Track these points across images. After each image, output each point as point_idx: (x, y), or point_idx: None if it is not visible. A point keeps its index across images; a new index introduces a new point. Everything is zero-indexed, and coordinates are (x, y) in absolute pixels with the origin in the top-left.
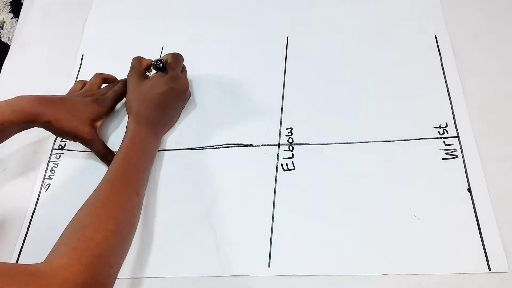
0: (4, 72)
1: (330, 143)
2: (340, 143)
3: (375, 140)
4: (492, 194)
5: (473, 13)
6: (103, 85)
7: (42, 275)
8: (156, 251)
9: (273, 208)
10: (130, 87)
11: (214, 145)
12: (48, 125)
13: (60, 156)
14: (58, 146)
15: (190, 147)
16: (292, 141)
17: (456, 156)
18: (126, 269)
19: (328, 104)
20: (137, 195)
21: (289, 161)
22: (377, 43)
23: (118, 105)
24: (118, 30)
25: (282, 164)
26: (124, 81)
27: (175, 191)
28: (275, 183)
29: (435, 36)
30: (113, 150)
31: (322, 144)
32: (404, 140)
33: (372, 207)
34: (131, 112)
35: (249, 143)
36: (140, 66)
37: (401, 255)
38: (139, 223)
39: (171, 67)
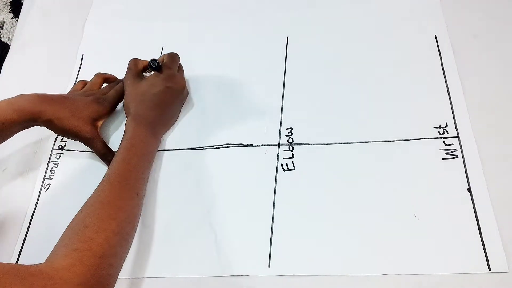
0: (4, 72)
1: (330, 143)
2: (340, 143)
3: (375, 140)
4: (492, 194)
5: (473, 13)
6: (104, 85)
7: (44, 276)
8: (156, 251)
9: (273, 208)
10: (127, 89)
11: (214, 145)
12: (49, 124)
13: (60, 156)
14: (58, 146)
15: (190, 147)
16: (292, 141)
17: (456, 156)
18: (126, 269)
19: (328, 104)
20: (137, 195)
21: (289, 161)
22: (377, 43)
23: (119, 105)
24: (118, 30)
25: (282, 164)
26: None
27: (175, 191)
28: (275, 183)
29: (435, 36)
30: (114, 150)
31: (322, 144)
32: (404, 140)
33: (372, 207)
34: (129, 113)
35: (249, 143)
36: (136, 67)
37: (401, 255)
38: (139, 223)
39: (166, 66)
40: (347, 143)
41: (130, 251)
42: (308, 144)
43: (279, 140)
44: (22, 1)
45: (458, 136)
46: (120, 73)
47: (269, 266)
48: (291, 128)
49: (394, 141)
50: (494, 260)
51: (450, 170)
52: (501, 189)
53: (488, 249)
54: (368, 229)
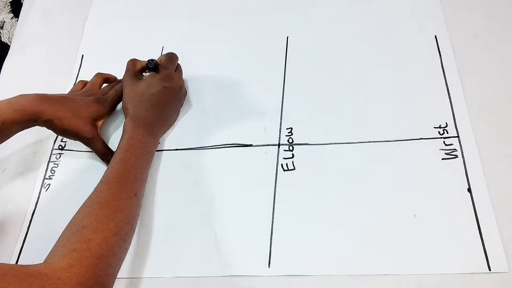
0: (4, 72)
1: (330, 143)
2: (340, 143)
3: (375, 140)
4: (492, 194)
5: (473, 13)
6: (104, 85)
7: (42, 276)
8: (156, 251)
9: (273, 208)
10: (125, 89)
11: (214, 145)
12: (49, 124)
13: (60, 156)
14: (58, 146)
15: (190, 147)
16: (292, 141)
17: (456, 156)
18: (126, 269)
19: (328, 104)
20: (135, 195)
21: (289, 161)
22: (377, 43)
23: (119, 105)
24: (118, 30)
25: (282, 164)
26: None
27: (174, 191)
28: (275, 183)
29: (435, 36)
30: (114, 150)
31: (322, 144)
32: (404, 140)
33: (372, 207)
34: (127, 113)
35: (249, 143)
36: (134, 68)
37: (401, 255)
38: (139, 223)
39: (163, 66)
40: (347, 143)
41: (129, 251)
42: (308, 144)
43: (279, 140)
44: (22, 1)
45: (458, 136)
46: (120, 73)
47: (269, 266)
48: (291, 128)
49: (394, 141)
50: (494, 260)
51: (450, 170)
52: (501, 189)
53: (488, 249)
54: (368, 229)
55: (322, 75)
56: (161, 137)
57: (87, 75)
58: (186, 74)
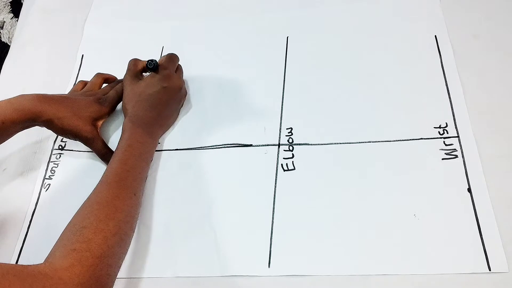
0: (4, 72)
1: (330, 143)
2: (340, 143)
3: (375, 140)
4: (492, 194)
5: (473, 13)
6: (104, 85)
7: (43, 276)
8: (156, 251)
9: (273, 208)
10: (126, 89)
11: (214, 145)
12: (49, 124)
13: (60, 156)
14: (58, 146)
15: (190, 147)
16: (292, 141)
17: (456, 156)
18: (126, 269)
19: (328, 104)
20: (135, 195)
21: (289, 161)
22: (377, 43)
23: (119, 105)
24: (118, 30)
25: (282, 164)
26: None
27: (175, 191)
28: (275, 183)
29: (435, 36)
30: (114, 150)
31: (322, 144)
32: (404, 140)
33: (372, 207)
34: (127, 113)
35: (249, 143)
36: (135, 68)
37: (401, 255)
38: (139, 223)
39: (162, 66)
40: (347, 143)
41: (129, 251)
42: (308, 144)
43: (279, 140)
44: (22, 1)
45: (458, 136)
46: (120, 73)
47: (269, 266)
48: (291, 128)
49: (394, 141)
50: (494, 260)
51: (450, 170)
52: (501, 189)
53: (488, 249)
54: (368, 229)
55: (322, 75)
56: (161, 137)
57: (87, 75)
58: (186, 74)
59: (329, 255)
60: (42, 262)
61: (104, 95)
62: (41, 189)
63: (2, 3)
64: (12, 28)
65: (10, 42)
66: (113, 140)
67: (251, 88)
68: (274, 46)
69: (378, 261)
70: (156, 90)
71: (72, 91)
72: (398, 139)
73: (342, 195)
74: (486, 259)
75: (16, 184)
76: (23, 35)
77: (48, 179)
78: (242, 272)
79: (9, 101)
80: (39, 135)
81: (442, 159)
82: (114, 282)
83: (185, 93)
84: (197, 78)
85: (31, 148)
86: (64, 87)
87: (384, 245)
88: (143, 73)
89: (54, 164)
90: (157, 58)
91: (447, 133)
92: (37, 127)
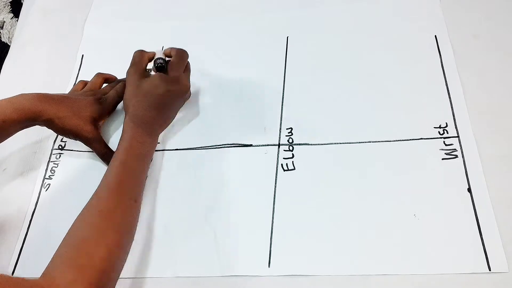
0: (4, 72)
1: (330, 143)
2: (340, 143)
3: (375, 140)
4: (492, 194)
5: (473, 13)
6: (104, 85)
7: None
8: (156, 251)
9: (273, 208)
10: (129, 85)
11: (214, 145)
12: (49, 123)
13: (60, 156)
14: (58, 146)
15: (190, 147)
16: (292, 141)
17: (456, 156)
18: (126, 269)
19: (328, 104)
20: (135, 202)
21: (289, 161)
22: (377, 43)
23: (120, 105)
24: (118, 30)
25: (282, 164)
26: (125, 81)
27: (175, 191)
28: (275, 183)
29: (435, 36)
30: (114, 149)
31: (322, 144)
32: (404, 140)
33: (372, 207)
34: (127, 111)
35: (249, 143)
36: (141, 63)
37: (401, 255)
38: (139, 222)
39: (172, 67)
40: (347, 143)
41: (130, 251)
42: (308, 144)
43: (279, 140)
44: (22, 1)
45: (458, 136)
46: (120, 73)
47: (269, 266)
48: (291, 128)
49: (394, 141)
50: (494, 260)
51: (450, 170)
52: (501, 189)
53: (488, 249)
54: (368, 229)
55: (322, 75)
56: (161, 137)
57: (87, 75)
58: None
59: (329, 255)
60: (42, 262)
61: (104, 95)
62: (41, 189)
63: (2, 3)
64: (12, 28)
65: (10, 42)
66: (113, 140)
67: (251, 88)
68: (274, 46)
69: (378, 261)
70: (161, 93)
71: (72, 91)
72: (398, 139)
73: (342, 195)
74: (486, 259)
75: (16, 184)
76: (23, 35)
77: (48, 179)
78: (242, 272)
79: (10, 100)
80: (39, 135)
81: (442, 159)
82: None
83: (190, 95)
84: (197, 78)
85: (31, 148)
86: (64, 87)
87: (384, 245)
88: (148, 68)
89: (54, 164)
90: (161, 55)
91: (447, 133)
92: (37, 126)
